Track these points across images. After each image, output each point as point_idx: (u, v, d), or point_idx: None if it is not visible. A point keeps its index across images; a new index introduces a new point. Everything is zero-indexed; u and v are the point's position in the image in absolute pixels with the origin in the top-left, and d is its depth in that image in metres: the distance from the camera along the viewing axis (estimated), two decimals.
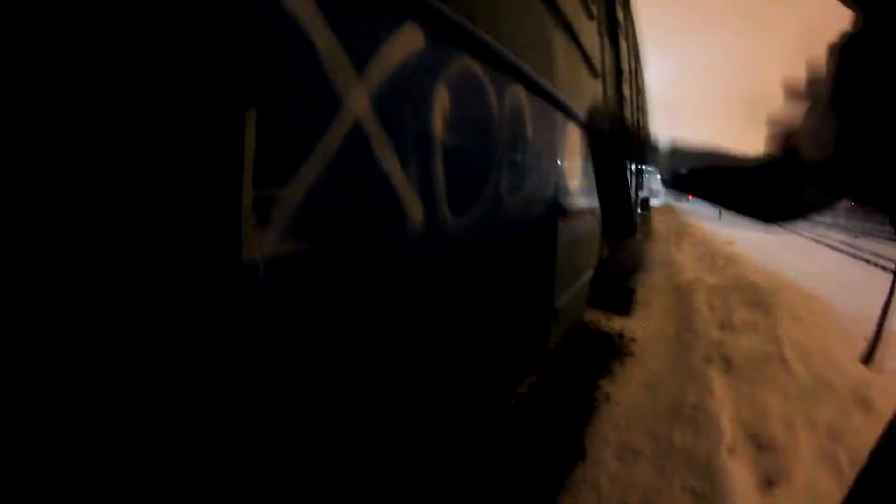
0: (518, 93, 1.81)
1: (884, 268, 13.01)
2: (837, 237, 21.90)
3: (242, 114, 0.75)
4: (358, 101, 0.98)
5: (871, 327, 4.89)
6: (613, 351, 4.53)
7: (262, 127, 0.78)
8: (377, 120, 1.03)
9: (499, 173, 1.67)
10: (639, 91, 9.15)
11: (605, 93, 4.27)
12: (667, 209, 30.48)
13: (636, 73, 8.72)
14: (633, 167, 8.06)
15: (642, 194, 13.19)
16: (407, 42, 1.13)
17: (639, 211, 10.56)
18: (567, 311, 2.75)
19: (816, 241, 19.38)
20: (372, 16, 1.03)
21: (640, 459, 2.81)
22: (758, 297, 6.06)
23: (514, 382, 2.60)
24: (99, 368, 0.63)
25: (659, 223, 19.07)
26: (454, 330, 1.55)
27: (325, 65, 0.91)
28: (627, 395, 3.65)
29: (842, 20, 1.02)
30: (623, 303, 6.03)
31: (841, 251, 17.52)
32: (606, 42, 4.66)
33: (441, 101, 1.27)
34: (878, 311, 5.11)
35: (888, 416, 3.36)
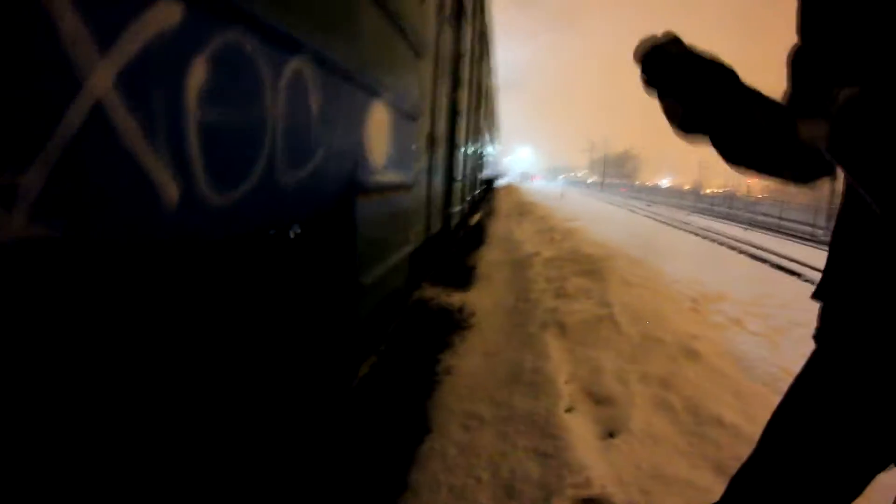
0: (301, 68, 1.73)
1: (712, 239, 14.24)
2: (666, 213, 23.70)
3: None
4: (100, 83, 0.90)
5: (698, 288, 5.26)
6: (454, 325, 4.60)
7: None
8: (122, 102, 0.95)
9: (273, 150, 1.58)
10: (482, 76, 9.32)
11: (435, 73, 4.30)
12: (510, 189, 31.54)
13: (480, 59, 8.87)
14: (473, 148, 8.20)
15: (485, 174, 13.51)
16: (160, 18, 1.04)
17: (478, 191, 10.79)
18: (378, 287, 2.71)
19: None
20: None
21: (485, 426, 2.84)
22: (591, 266, 6.32)
23: (348, 365, 2.54)
24: None
25: (501, 202, 19.67)
26: (240, 312, 1.46)
27: (66, 46, 0.83)
28: (469, 365, 3.70)
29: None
30: (463, 278, 6.14)
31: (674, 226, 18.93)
32: (446, 26, 4.70)
33: (198, 79, 1.18)
34: (702, 276, 5.52)
35: (714, 364, 3.57)
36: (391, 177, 2.89)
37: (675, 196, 73.35)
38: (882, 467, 1.06)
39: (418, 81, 3.53)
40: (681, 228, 17.06)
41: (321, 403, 2.15)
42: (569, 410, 2.98)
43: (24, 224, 0.77)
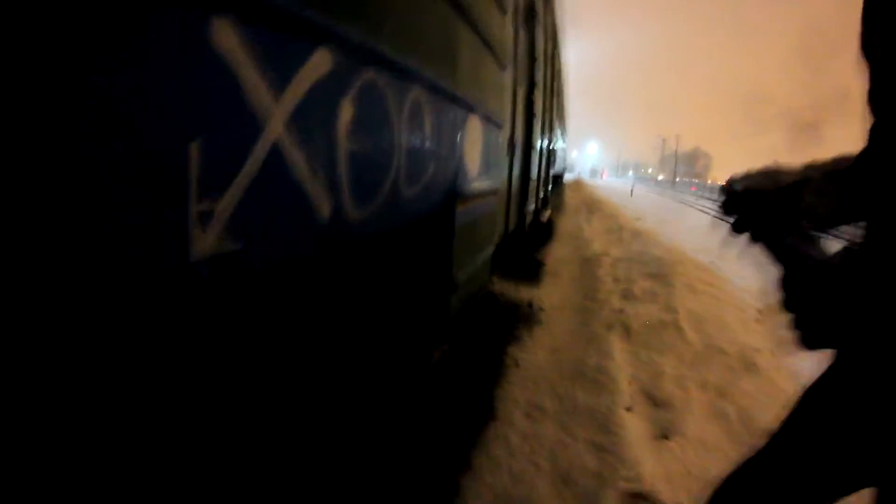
0: (419, 96, 1.98)
1: None
2: None
3: (187, 147, 0.92)
4: (276, 125, 1.16)
5: (766, 299, 5.22)
6: (522, 319, 4.73)
7: (202, 156, 0.95)
8: (292, 138, 1.22)
9: (398, 170, 1.86)
10: (553, 74, 9.29)
11: (514, 79, 4.42)
12: (578, 184, 31.17)
13: (552, 57, 8.84)
14: (545, 143, 8.26)
15: (555, 170, 13.48)
16: (317, 66, 1.30)
17: (549, 187, 10.77)
18: (467, 284, 2.96)
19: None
20: (287, 48, 1.20)
21: (547, 417, 3.01)
22: (659, 269, 6.36)
23: (426, 352, 2.76)
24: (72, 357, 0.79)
25: (570, 198, 19.54)
26: (363, 307, 1.74)
27: (250, 97, 1.08)
28: (535, 359, 3.87)
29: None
30: (533, 273, 6.24)
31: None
32: (521, 33, 4.79)
33: (346, 114, 1.45)
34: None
35: (772, 377, 3.63)
36: (482, 184, 3.11)
37: None
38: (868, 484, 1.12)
39: (502, 91, 3.72)
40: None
41: (404, 381, 2.38)
42: (628, 409, 3.13)
43: (215, 242, 1.02)
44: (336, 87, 1.40)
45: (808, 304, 1.11)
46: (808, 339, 1.12)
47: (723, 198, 1.31)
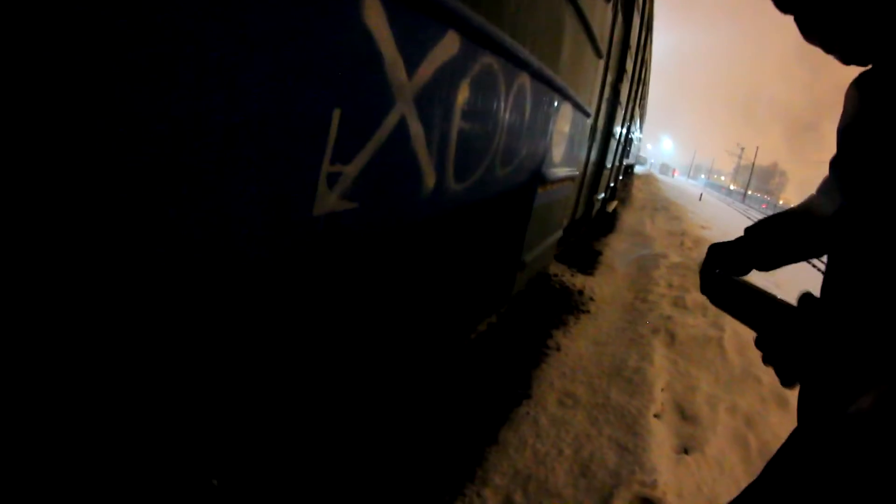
0: (524, 81, 2.05)
1: None
2: None
3: (331, 112, 1.01)
4: (405, 100, 1.25)
5: None
6: (571, 306, 4.78)
7: (341, 122, 1.04)
8: (416, 114, 1.31)
9: (496, 151, 1.95)
10: (642, 63, 9.09)
11: (606, 67, 4.41)
12: (648, 178, 30.64)
13: (644, 46, 8.66)
14: (623, 132, 8.16)
15: (627, 161, 13.30)
16: (447, 48, 1.38)
17: (620, 177, 10.64)
18: (533, 264, 3.06)
19: None
20: (424, 28, 1.28)
21: (578, 407, 3.09)
22: None
23: (479, 319, 2.86)
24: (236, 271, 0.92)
25: (638, 191, 19.25)
26: (446, 267, 1.85)
27: (388, 72, 1.16)
28: (577, 347, 3.93)
29: None
30: (589, 262, 6.26)
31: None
32: (619, 19, 4.75)
33: (462, 95, 1.54)
34: None
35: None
36: (563, 171, 3.17)
37: None
38: None
39: (595, 78, 3.73)
40: (818, 267, 16.20)
41: (454, 342, 2.50)
42: (656, 416, 3.18)
43: (335, 201, 1.12)
44: (459, 68, 1.49)
45: (780, 352, 1.16)
46: (785, 378, 1.17)
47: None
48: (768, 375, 4.13)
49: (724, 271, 1.39)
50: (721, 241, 1.47)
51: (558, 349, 3.81)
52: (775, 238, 1.40)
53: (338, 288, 1.25)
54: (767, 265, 1.42)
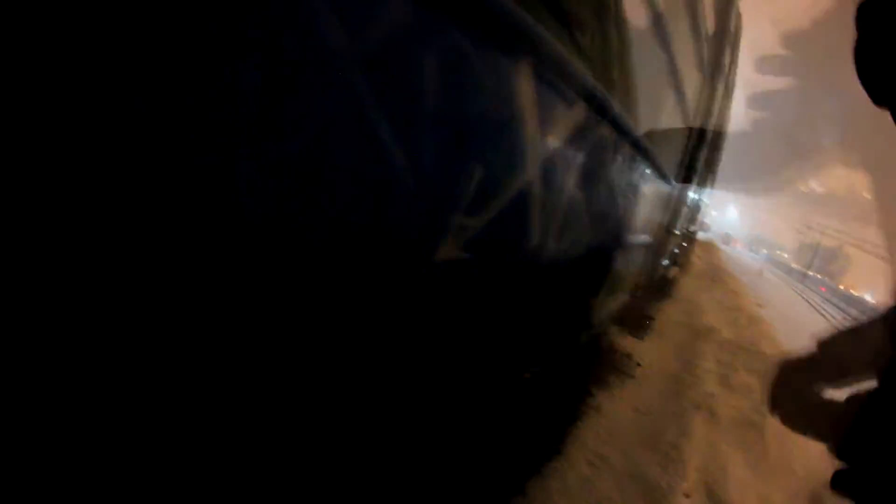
0: (627, 151, 2.13)
1: None
2: None
3: (470, 175, 1.08)
4: (534, 164, 1.33)
5: None
6: (617, 368, 4.78)
7: (476, 185, 1.12)
8: (539, 177, 1.39)
9: (594, 215, 2.02)
10: (720, 127, 8.83)
11: (688, 136, 4.44)
12: (709, 246, 30.23)
13: (723, 110, 8.48)
14: (694, 201, 8.07)
15: (692, 227, 13.11)
16: (573, 117, 1.46)
17: (683, 244, 10.53)
18: (598, 326, 3.10)
19: None
20: (562, 96, 1.36)
21: (608, 472, 3.07)
22: (764, 367, 6.15)
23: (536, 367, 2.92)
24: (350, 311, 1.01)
25: (696, 258, 19.00)
26: (525, 319, 1.93)
27: (527, 137, 1.26)
28: (616, 411, 3.91)
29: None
30: (640, 326, 6.23)
31: None
32: (705, 87, 4.80)
33: (578, 167, 1.61)
34: None
35: None
36: (639, 238, 3.22)
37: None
38: None
39: (678, 147, 3.77)
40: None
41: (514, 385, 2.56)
42: (686, 496, 3.15)
43: (455, 251, 1.22)
44: (580, 139, 1.56)
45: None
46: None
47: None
48: (805, 470, 4.05)
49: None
50: (791, 356, 1.38)
51: (597, 410, 3.80)
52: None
53: (437, 332, 1.36)
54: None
